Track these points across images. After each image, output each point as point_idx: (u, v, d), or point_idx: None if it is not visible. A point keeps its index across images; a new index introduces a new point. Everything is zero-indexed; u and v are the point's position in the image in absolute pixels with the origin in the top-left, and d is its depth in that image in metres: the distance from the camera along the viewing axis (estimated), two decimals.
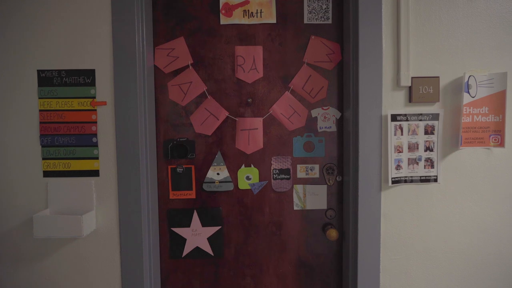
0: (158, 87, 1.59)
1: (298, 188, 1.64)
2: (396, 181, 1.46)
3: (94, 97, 1.44)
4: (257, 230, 1.68)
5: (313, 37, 1.61)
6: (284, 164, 1.64)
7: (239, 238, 1.67)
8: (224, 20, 1.59)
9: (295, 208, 1.66)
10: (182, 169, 1.62)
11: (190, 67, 1.59)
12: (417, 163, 1.46)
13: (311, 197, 1.65)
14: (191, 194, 1.63)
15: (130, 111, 1.41)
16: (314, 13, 1.61)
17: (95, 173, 1.46)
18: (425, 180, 1.47)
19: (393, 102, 1.47)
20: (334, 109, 1.64)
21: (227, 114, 1.63)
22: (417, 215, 1.51)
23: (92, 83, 1.44)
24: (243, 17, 1.59)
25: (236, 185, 1.64)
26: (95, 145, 1.46)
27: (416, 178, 1.47)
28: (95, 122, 1.45)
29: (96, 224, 1.46)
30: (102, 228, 1.46)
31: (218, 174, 1.63)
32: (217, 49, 1.61)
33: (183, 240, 1.64)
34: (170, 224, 1.64)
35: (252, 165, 1.65)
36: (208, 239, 1.65)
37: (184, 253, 1.65)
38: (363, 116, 1.45)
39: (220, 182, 1.63)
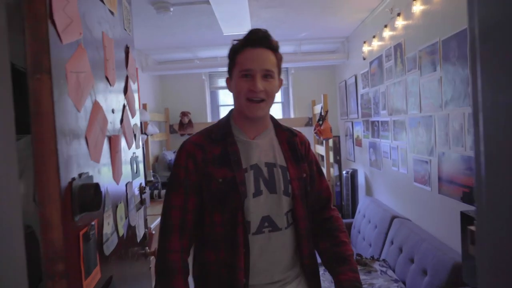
0: (54, 69, 0.72)
1: (138, 217, 1.33)
2: None
3: None
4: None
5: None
6: (130, 191, 1.23)
7: None
8: None
9: (138, 239, 1.32)
10: (93, 231, 0.86)
11: (82, 43, 0.86)
12: None
13: (141, 223, 1.35)
14: (97, 272, 0.89)
15: None
16: None
17: None
18: None
19: None
20: (139, 126, 1.33)
21: (107, 128, 1.02)
22: None
23: None
24: None
25: (117, 233, 1.08)
26: None
27: None
28: None
29: None
30: None
31: (108, 224, 1.00)
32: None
33: None
34: None
35: (121, 200, 1.15)
36: None
37: None
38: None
39: (111, 234, 1.02)
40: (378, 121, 3.31)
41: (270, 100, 1.10)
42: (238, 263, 1.03)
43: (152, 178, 4.02)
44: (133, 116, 1.31)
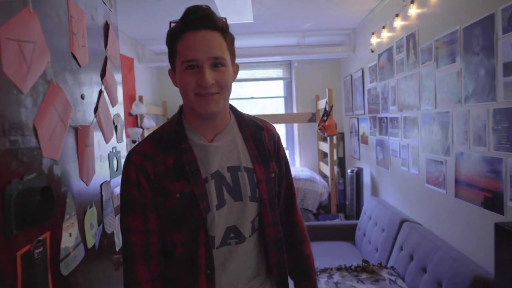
0: None
1: (116, 221, 1.13)
2: None
3: None
4: None
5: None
6: (108, 192, 1.09)
7: None
8: None
9: (117, 249, 1.14)
10: (41, 249, 0.67)
11: (30, 5, 0.67)
12: None
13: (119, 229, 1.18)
14: None
15: None
16: None
17: None
18: None
19: None
20: (122, 117, 1.23)
21: (70, 117, 0.83)
22: None
23: None
24: None
25: (85, 245, 0.93)
26: None
27: None
28: None
29: None
30: None
31: (70, 235, 0.83)
32: None
33: None
34: None
35: (93, 203, 1.00)
36: None
37: None
38: None
39: (74, 249, 0.85)
40: (386, 118, 3.11)
41: (225, 93, 0.91)
42: (199, 286, 0.90)
43: None
44: (113, 105, 1.12)
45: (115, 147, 1.11)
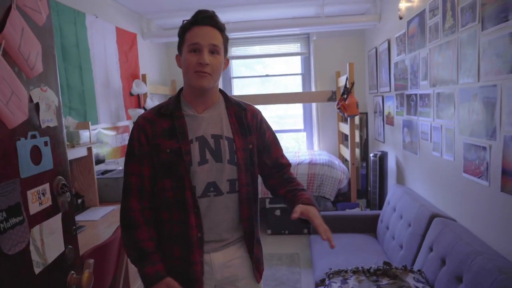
0: None
1: (35, 233, 0.83)
2: None
3: None
4: None
5: None
6: (12, 197, 0.75)
7: None
8: None
9: (36, 271, 0.83)
10: None
11: None
12: None
13: (49, 241, 0.88)
14: None
15: None
16: None
17: None
18: None
19: None
20: (52, 92, 0.92)
21: None
22: None
23: None
24: None
25: None
26: None
27: None
28: None
29: None
30: None
31: None
32: None
33: None
34: None
35: None
36: None
37: None
38: None
39: None
40: (416, 95, 2.68)
41: (215, 75, 1.20)
42: (189, 222, 1.19)
43: None
44: (30, 75, 0.82)
45: (34, 134, 0.81)
